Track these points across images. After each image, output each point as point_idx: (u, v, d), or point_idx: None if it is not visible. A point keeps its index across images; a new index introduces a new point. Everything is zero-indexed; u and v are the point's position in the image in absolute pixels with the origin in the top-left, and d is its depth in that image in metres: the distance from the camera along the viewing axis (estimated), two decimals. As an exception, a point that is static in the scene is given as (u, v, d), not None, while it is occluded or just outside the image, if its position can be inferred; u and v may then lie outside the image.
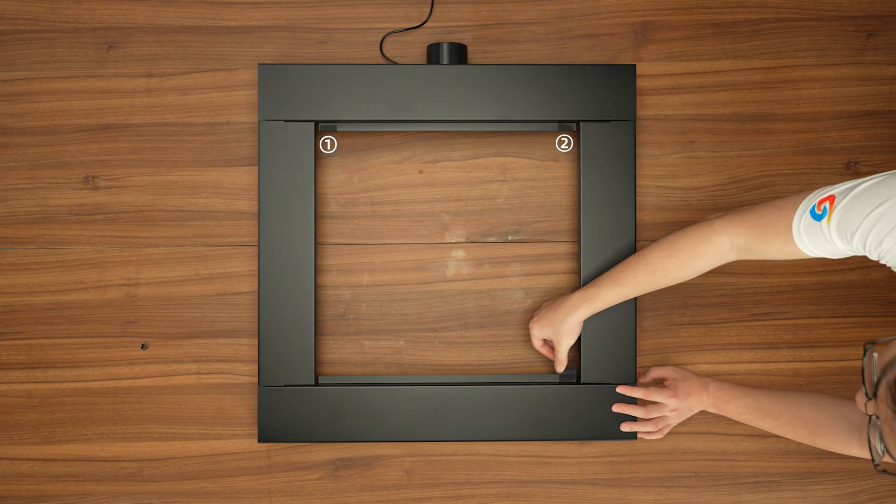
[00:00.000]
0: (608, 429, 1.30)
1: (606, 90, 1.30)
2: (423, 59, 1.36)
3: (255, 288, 1.34)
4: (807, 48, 1.36)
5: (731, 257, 1.14)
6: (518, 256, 1.36)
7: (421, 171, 1.36)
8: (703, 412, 1.33)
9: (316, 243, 1.31)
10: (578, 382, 1.31)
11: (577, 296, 1.24)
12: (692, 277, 1.18)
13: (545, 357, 1.35)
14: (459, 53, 1.31)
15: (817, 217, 1.01)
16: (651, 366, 1.33)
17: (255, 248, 1.34)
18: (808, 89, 1.36)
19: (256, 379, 1.33)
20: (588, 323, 1.29)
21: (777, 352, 1.36)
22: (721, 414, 1.25)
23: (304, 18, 1.36)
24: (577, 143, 1.33)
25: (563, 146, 1.36)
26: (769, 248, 1.08)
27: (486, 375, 1.34)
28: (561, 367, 1.29)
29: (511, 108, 1.29)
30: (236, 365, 1.35)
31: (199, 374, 1.34)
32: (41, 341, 1.34)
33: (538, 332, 1.29)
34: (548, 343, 1.31)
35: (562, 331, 1.25)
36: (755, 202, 1.36)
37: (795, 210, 1.04)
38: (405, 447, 1.35)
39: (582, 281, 1.30)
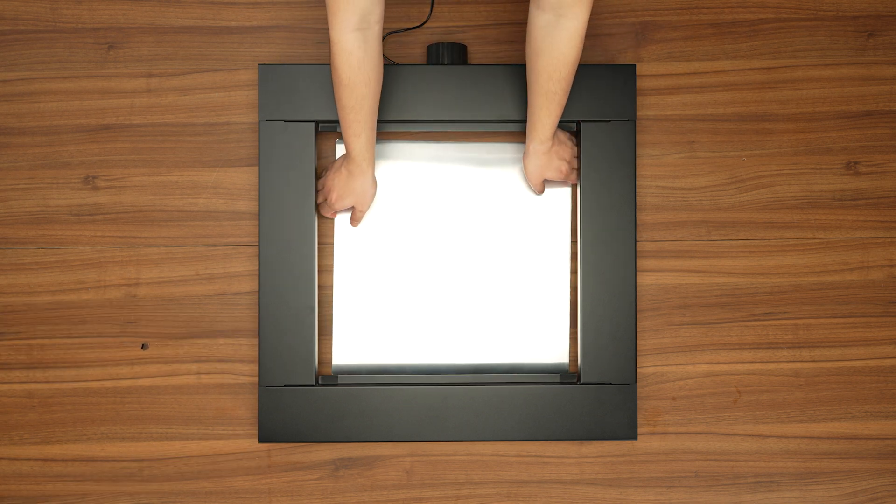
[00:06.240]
0: (608, 429, 1.30)
1: (606, 90, 1.30)
2: (423, 59, 1.36)
3: (255, 288, 1.34)
4: (807, 48, 1.36)
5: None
6: (518, 256, 1.36)
7: (421, 171, 1.36)
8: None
9: (316, 243, 1.31)
10: (578, 382, 1.31)
11: (342, 160, 1.27)
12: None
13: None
14: (459, 53, 1.31)
15: None
16: None
17: (255, 248, 1.34)
18: (808, 89, 1.36)
19: (256, 379, 1.33)
20: (588, 323, 1.29)
21: (777, 352, 1.36)
22: None
23: (304, 18, 1.36)
24: (577, 144, 1.33)
25: (563, 146, 1.36)
26: None
27: (486, 375, 1.34)
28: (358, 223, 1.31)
29: (511, 108, 1.30)
30: (236, 365, 1.35)
31: (199, 374, 1.35)
32: (41, 341, 1.34)
33: (341, 206, 1.29)
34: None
35: (367, 193, 1.28)
36: (755, 203, 1.36)
37: None
38: (405, 447, 1.35)
39: (581, 281, 1.30)
